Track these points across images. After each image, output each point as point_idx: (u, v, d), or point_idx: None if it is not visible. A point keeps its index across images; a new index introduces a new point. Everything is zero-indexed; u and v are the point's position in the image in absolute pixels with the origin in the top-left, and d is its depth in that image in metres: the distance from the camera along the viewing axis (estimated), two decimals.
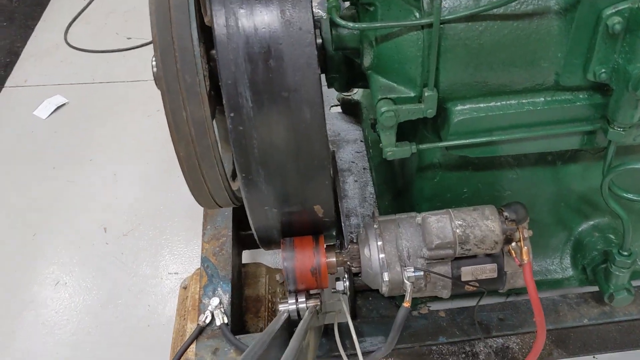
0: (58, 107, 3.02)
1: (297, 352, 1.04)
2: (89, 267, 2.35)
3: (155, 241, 2.42)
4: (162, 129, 2.91)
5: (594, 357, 1.87)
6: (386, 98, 1.21)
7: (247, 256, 2.12)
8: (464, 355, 1.77)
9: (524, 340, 1.77)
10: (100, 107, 3.05)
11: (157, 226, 2.47)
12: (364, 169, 2.04)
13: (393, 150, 1.26)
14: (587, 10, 1.09)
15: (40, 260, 2.37)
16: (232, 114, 1.15)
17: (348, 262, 1.40)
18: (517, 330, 1.62)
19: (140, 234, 2.45)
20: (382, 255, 1.34)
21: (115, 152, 2.79)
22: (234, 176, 1.76)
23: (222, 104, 1.18)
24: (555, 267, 1.64)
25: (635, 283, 1.61)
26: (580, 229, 1.62)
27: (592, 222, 1.61)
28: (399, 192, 1.78)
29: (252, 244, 2.02)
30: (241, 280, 1.93)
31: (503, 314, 1.64)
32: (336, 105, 2.31)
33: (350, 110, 2.25)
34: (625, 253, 1.42)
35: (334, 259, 1.39)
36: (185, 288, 2.06)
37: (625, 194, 1.33)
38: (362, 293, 1.70)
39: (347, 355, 1.52)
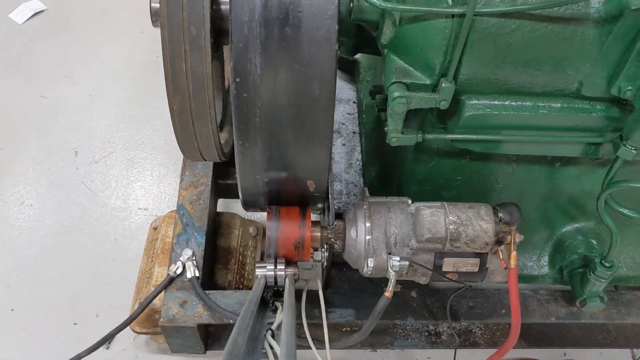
0: (35, 13, 2.81)
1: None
2: (57, 190, 2.26)
3: (127, 172, 2.33)
4: (145, 52, 2.78)
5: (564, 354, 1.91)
6: (400, 82, 1.15)
7: (221, 203, 2.06)
8: (426, 334, 1.79)
9: (488, 326, 1.81)
10: (81, 18, 2.86)
11: (130, 157, 2.38)
12: (354, 132, 1.98)
13: (398, 137, 1.21)
14: (629, 24, 1.03)
15: (5, 176, 2.27)
16: (237, 79, 1.07)
17: (332, 239, 1.36)
18: (484, 320, 1.63)
19: (113, 163, 2.36)
20: (368, 237, 1.31)
21: (93, 70, 2.63)
22: (220, 127, 1.69)
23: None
24: (532, 264, 1.64)
25: None
26: (563, 230, 1.61)
27: (576, 225, 1.60)
28: (389, 165, 1.73)
29: (229, 194, 1.97)
30: (214, 229, 1.89)
31: (473, 302, 1.64)
32: None
33: (347, 67, 2.16)
34: (608, 264, 1.43)
35: (319, 234, 1.35)
36: (155, 229, 2.01)
37: (622, 209, 1.31)
38: (336, 263, 1.68)
39: (314, 324, 1.51)
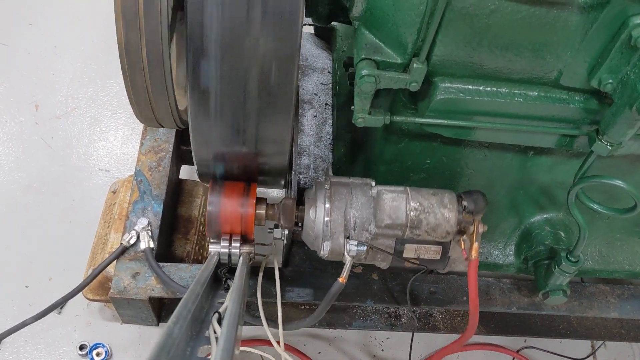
0: None
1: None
2: (14, 145, 2.16)
3: (90, 130, 2.24)
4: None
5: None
6: (369, 59, 1.07)
7: (186, 170, 1.98)
8: (386, 315, 1.76)
9: (448, 310, 1.78)
10: None
11: (94, 114, 2.27)
12: (326, 104, 1.90)
13: (365, 117, 1.13)
14: (614, 13, 0.97)
15: None
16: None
17: (279, 218, 1.29)
18: (445, 306, 1.60)
19: (75, 120, 2.25)
20: (327, 219, 1.24)
21: (58, 20, 2.49)
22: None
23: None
24: (498, 252, 1.60)
25: None
26: (532, 220, 1.57)
27: (546, 216, 1.56)
28: (359, 142, 1.66)
29: (192, 161, 1.88)
30: (175, 197, 1.81)
31: (435, 288, 1.61)
32: (310, 25, 2.08)
33: (324, 34, 2.06)
34: (573, 259, 1.39)
35: (263, 212, 1.29)
36: (114, 192, 1.93)
37: (592, 205, 1.26)
38: (299, 241, 1.62)
39: (272, 303, 1.46)
